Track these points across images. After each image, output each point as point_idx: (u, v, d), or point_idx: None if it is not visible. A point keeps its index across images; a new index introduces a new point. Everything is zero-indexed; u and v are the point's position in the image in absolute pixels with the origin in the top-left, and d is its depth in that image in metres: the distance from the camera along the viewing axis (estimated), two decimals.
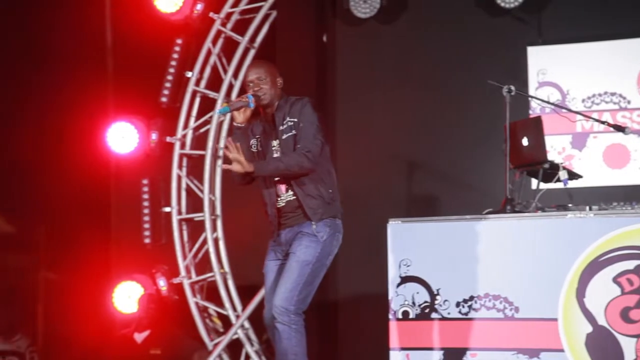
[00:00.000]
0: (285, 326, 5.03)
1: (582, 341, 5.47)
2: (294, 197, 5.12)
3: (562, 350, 5.49)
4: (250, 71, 5.21)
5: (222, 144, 8.50)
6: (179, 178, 8.53)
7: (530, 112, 7.52)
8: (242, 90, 7.07)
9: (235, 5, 8.41)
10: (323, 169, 5.14)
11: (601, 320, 5.44)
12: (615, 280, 5.45)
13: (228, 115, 8.46)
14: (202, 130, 8.55)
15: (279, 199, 5.16)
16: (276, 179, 5.16)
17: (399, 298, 5.79)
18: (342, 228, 5.23)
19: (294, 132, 5.10)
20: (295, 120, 5.11)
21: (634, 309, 5.41)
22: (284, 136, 5.11)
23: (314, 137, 5.06)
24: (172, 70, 8.68)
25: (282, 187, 5.16)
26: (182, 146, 8.55)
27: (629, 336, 5.39)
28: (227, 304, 8.28)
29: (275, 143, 5.17)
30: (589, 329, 5.46)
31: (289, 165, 5.03)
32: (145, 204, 8.71)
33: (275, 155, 5.17)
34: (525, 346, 5.56)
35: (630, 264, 5.43)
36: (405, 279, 5.80)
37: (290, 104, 5.17)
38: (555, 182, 6.03)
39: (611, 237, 5.48)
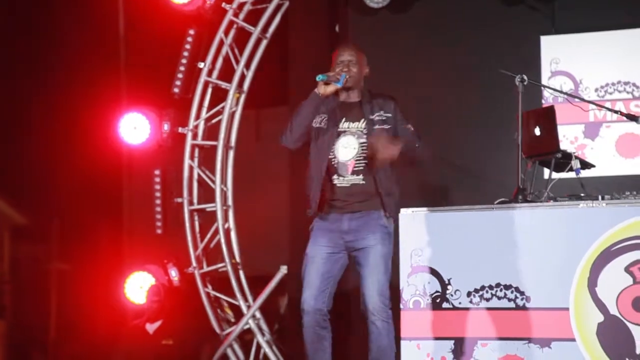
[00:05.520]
0: (385, 322, 5.04)
1: (593, 331, 5.44)
2: (363, 182, 5.09)
3: (573, 340, 5.47)
4: (345, 52, 5.25)
5: (233, 134, 8.51)
6: (191, 169, 8.54)
7: (543, 101, 7.48)
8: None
9: None
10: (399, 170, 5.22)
11: (613, 310, 5.41)
12: (627, 269, 5.42)
13: (240, 106, 8.48)
14: (214, 120, 8.57)
15: (341, 177, 5.12)
16: (347, 159, 5.13)
17: (410, 288, 5.77)
18: None
19: (386, 126, 5.13)
20: (390, 115, 5.17)
21: None
22: (375, 126, 5.12)
23: (418, 134, 5.20)
24: (184, 61, 8.68)
25: (350, 168, 5.13)
26: (194, 137, 8.56)
27: None
28: (238, 295, 8.30)
29: (353, 124, 5.16)
30: (600, 318, 5.44)
31: (420, 148, 5.16)
32: (157, 194, 8.73)
33: (341, 137, 5.14)
34: (537, 335, 5.53)
35: None
36: (416, 269, 5.79)
37: (375, 96, 5.24)
38: (568, 171, 5.99)
39: (623, 227, 5.46)
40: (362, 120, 5.16)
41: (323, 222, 5.17)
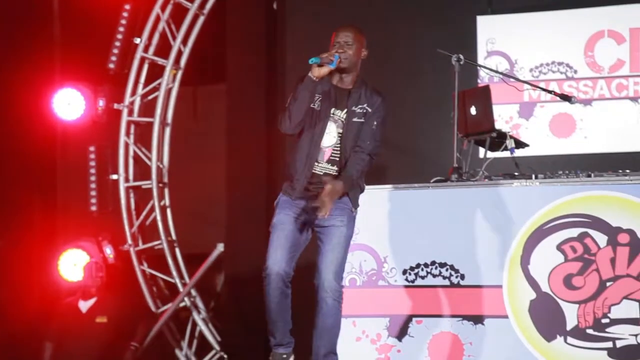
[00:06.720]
0: (336, 302, 5.01)
1: (525, 308, 5.52)
2: (336, 173, 5.00)
3: (506, 317, 5.55)
4: (341, 32, 5.15)
5: (170, 111, 8.44)
6: (127, 145, 8.46)
7: (479, 81, 7.53)
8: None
9: None
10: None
11: (545, 287, 5.50)
12: (559, 247, 5.51)
13: (176, 83, 8.41)
14: (150, 97, 8.49)
15: (317, 163, 5.04)
16: (326, 145, 5.03)
17: (347, 266, 5.75)
18: None
19: (362, 120, 5.04)
20: (369, 110, 5.05)
21: (576, 276, 5.47)
22: (354, 119, 5.03)
23: (380, 142, 5.07)
24: (120, 36, 8.59)
25: (326, 155, 5.04)
26: (130, 113, 8.48)
27: (571, 302, 5.46)
28: (174, 272, 8.26)
29: (337, 112, 5.05)
30: (532, 295, 5.52)
31: (363, 170, 5.04)
32: (92, 171, 8.65)
33: (330, 123, 5.02)
34: (470, 313, 5.61)
35: (574, 232, 5.49)
36: (352, 247, 5.70)
37: (367, 88, 5.12)
38: (502, 150, 6.05)
39: (556, 206, 5.54)
40: (345, 110, 5.08)
41: (290, 197, 5.08)
